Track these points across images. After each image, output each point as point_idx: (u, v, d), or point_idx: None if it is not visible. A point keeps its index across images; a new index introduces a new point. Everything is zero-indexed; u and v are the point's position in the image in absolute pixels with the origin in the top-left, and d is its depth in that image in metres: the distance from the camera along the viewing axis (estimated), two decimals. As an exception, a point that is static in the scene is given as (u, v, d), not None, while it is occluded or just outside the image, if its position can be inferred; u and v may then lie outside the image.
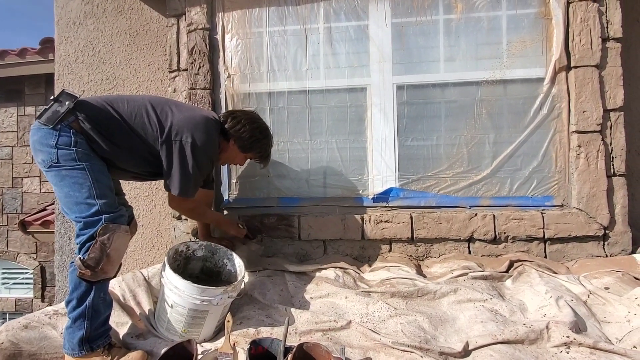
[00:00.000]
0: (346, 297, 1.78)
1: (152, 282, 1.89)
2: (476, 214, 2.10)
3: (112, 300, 1.54)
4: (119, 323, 1.68)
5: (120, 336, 1.62)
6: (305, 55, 2.25)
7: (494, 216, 2.08)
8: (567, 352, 1.40)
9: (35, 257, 6.13)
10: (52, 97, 1.57)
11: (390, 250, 2.18)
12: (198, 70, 2.26)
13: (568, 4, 2.06)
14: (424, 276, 1.98)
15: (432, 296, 1.77)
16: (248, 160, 2.02)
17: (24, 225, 5.39)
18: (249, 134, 1.83)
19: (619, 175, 2.04)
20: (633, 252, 2.02)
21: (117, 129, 1.62)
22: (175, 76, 2.31)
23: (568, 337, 1.42)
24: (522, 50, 2.12)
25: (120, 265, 1.90)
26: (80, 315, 1.42)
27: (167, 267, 1.57)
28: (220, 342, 1.52)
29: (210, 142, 1.74)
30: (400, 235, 2.15)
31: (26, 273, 6.26)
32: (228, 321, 1.36)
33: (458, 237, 2.12)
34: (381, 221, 2.15)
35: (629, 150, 2.16)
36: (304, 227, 2.21)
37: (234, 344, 1.40)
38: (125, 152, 1.65)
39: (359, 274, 2.04)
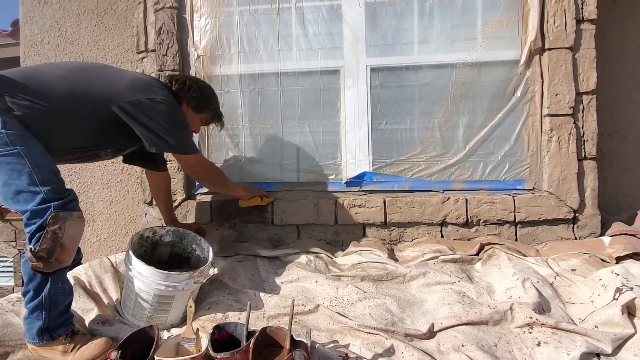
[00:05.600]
0: (316, 281, 1.77)
1: (120, 269, 1.86)
2: (449, 198, 2.10)
3: (72, 287, 1.49)
4: (85, 310, 1.65)
5: (86, 323, 1.60)
6: (277, 36, 2.19)
7: (466, 200, 2.09)
8: (530, 333, 1.42)
9: (14, 245, 6.02)
10: None
11: (363, 235, 2.18)
12: (166, 51, 2.18)
13: (543, -17, 2.03)
14: (396, 260, 1.99)
15: (401, 279, 1.78)
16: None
17: (1, 213, 5.27)
18: (199, 92, 1.79)
19: (590, 159, 2.05)
20: (602, 234, 2.05)
21: (56, 100, 1.45)
22: (143, 57, 2.23)
23: (531, 317, 1.44)
24: (497, 31, 2.09)
25: (79, 250, 1.85)
26: (38, 307, 1.37)
27: (130, 252, 1.54)
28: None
29: (172, 99, 1.69)
30: (374, 219, 2.14)
31: (6, 261, 6.15)
32: (190, 306, 1.35)
33: (431, 221, 2.12)
34: (354, 205, 2.14)
35: (601, 133, 2.17)
36: (277, 212, 2.19)
37: (197, 329, 1.39)
38: (71, 124, 1.50)
39: (332, 258, 2.04)
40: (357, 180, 2.20)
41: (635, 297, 1.43)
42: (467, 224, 2.11)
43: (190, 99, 1.78)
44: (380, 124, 2.18)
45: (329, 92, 2.21)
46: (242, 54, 2.21)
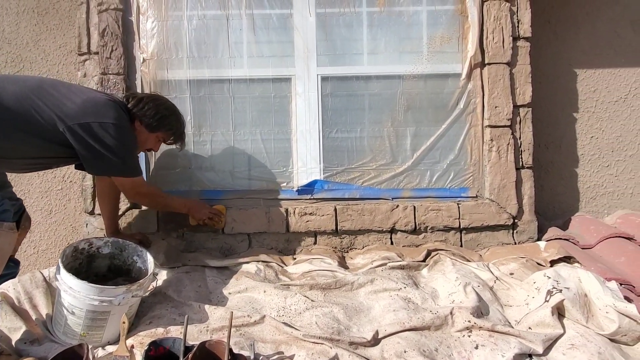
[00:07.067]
0: (264, 291, 1.75)
1: (54, 284, 1.74)
2: (398, 206, 2.15)
3: None
4: (12, 328, 1.53)
5: (13, 342, 1.48)
6: (228, 42, 2.17)
7: (414, 207, 2.14)
8: (469, 336, 1.47)
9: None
10: None
11: (315, 243, 2.18)
12: (110, 54, 2.10)
13: (482, 2, 2.14)
14: (346, 268, 2.00)
15: (349, 287, 1.79)
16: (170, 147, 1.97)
17: None
18: (153, 110, 1.77)
19: (527, 168, 2.17)
20: (539, 239, 2.16)
21: (7, 118, 1.49)
22: (86, 60, 2.13)
23: (469, 321, 1.49)
24: (441, 45, 2.19)
25: (18, 263, 1.74)
26: None
27: (60, 265, 1.45)
28: (128, 344, 1.43)
29: (124, 121, 1.69)
30: (325, 227, 2.15)
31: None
32: (123, 322, 1.28)
33: (381, 228, 2.15)
34: (305, 214, 2.14)
35: (538, 144, 2.31)
36: (228, 221, 2.15)
37: (131, 346, 1.32)
38: (21, 140, 1.52)
39: (282, 267, 2.02)
40: (309, 188, 2.20)
41: (564, 299, 1.52)
42: (415, 231, 2.16)
43: (143, 117, 1.76)
44: (331, 132, 2.21)
45: (281, 99, 2.20)
46: (191, 59, 2.17)
